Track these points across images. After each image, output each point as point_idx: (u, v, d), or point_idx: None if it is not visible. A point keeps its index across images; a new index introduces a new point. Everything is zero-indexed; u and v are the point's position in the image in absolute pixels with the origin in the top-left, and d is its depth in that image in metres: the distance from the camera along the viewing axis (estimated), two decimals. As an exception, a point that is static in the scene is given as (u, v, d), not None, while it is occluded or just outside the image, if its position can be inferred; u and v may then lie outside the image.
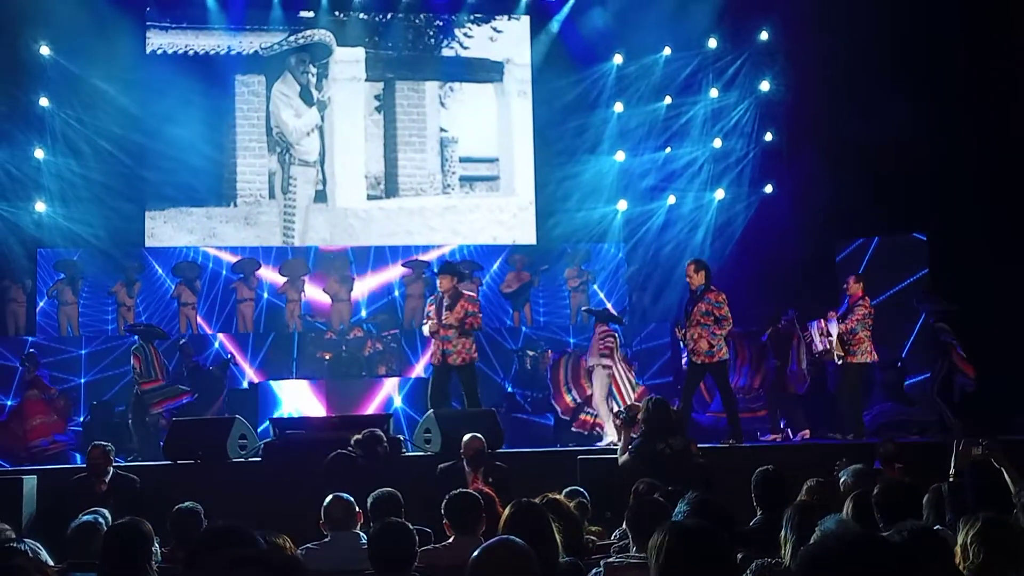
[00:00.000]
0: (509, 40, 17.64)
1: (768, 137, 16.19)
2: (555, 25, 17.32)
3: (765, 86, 16.18)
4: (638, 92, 16.98)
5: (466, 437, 8.42)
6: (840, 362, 11.21)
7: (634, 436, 8.17)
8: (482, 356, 14.47)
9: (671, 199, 16.55)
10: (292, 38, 16.96)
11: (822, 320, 11.38)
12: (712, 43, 16.54)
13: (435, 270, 12.19)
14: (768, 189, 16.10)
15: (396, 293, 16.02)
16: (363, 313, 15.65)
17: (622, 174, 17.05)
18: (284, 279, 15.46)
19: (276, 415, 12.12)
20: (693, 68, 16.77)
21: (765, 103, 16.31)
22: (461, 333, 10.62)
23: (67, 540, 5.15)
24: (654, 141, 16.90)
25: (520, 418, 13.41)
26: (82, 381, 13.64)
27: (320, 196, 16.91)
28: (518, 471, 8.67)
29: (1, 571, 3.40)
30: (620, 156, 16.78)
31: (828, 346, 11.22)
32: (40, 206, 15.15)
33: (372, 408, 12.79)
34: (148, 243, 16.63)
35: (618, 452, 8.37)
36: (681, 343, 10.88)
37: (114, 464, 8.48)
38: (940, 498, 4.82)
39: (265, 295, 15.76)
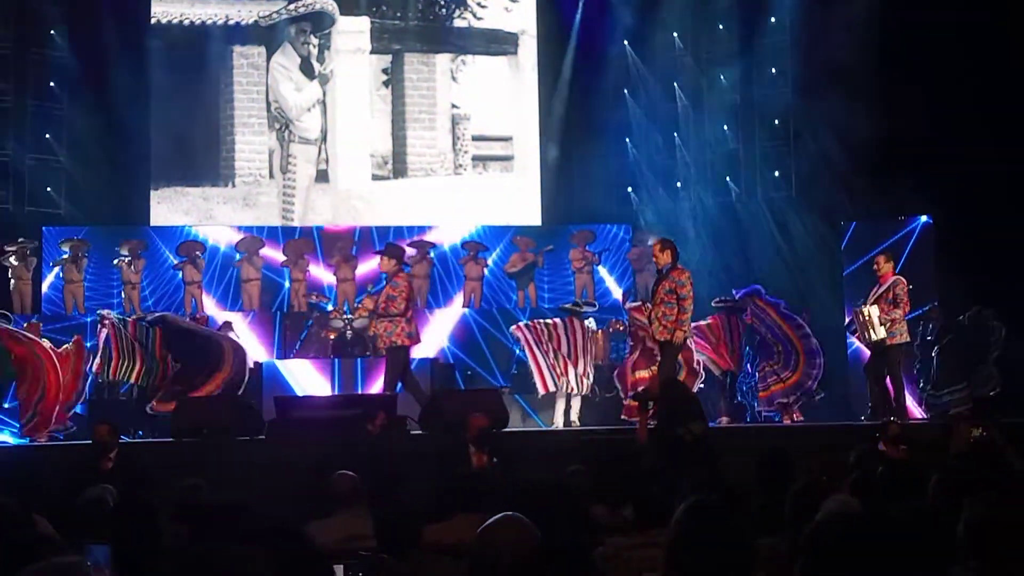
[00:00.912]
0: (525, 10, 17.41)
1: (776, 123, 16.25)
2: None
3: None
4: (649, 78, 17.05)
5: (471, 416, 8.43)
6: (878, 344, 11.16)
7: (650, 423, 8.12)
8: (480, 344, 14.59)
9: (678, 184, 16.66)
10: (292, 6, 16.68)
11: (864, 308, 11.26)
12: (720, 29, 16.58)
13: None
14: (776, 173, 16.16)
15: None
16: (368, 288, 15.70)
17: (632, 157, 17.14)
18: (286, 259, 15.46)
19: (281, 394, 12.13)
20: (700, 57, 16.83)
21: (767, 91, 16.36)
22: (382, 317, 10.59)
23: (76, 515, 5.17)
24: (663, 126, 16.98)
25: (523, 398, 13.42)
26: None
27: (322, 176, 16.80)
28: (523, 450, 8.69)
29: (26, 541, 3.42)
30: (630, 139, 16.84)
31: (873, 334, 11.12)
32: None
33: (377, 388, 12.79)
34: (152, 222, 16.69)
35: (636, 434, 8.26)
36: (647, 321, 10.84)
37: (120, 441, 8.51)
38: (947, 478, 4.82)
39: (270, 275, 15.78)
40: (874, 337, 11.09)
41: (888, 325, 11.01)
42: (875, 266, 11.50)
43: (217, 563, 1.96)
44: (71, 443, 10.68)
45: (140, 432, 11.34)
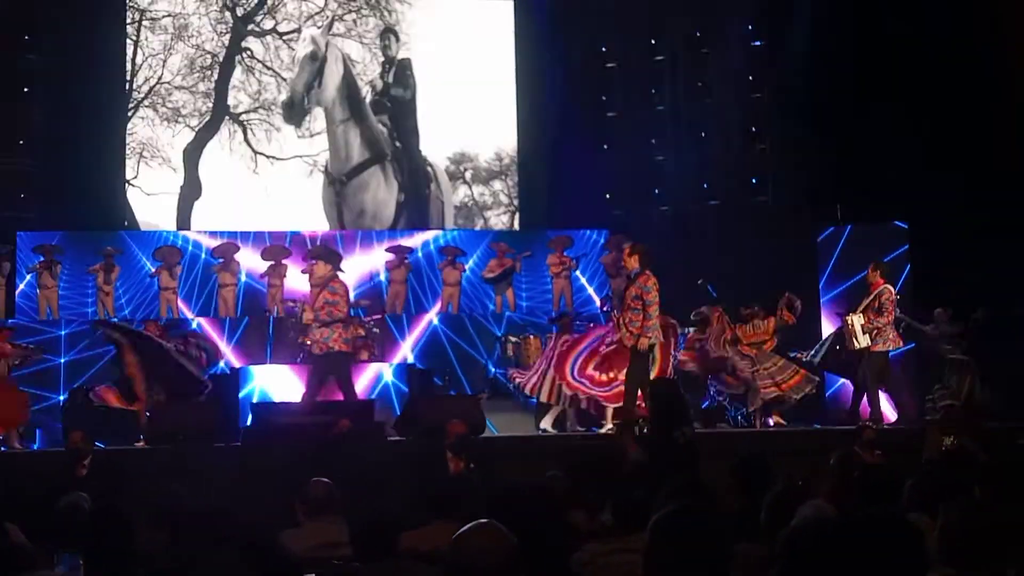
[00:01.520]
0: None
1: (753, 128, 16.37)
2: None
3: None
4: (627, 84, 17.16)
5: (448, 422, 8.42)
6: (862, 352, 11.27)
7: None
8: (468, 340, 14.53)
9: (656, 190, 16.77)
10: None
11: (849, 316, 11.36)
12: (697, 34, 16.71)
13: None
14: (754, 180, 16.28)
15: (381, 278, 16.00)
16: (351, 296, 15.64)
17: (610, 162, 17.25)
18: (267, 263, 15.40)
19: (256, 400, 12.07)
20: (683, 60, 16.94)
21: (745, 97, 16.49)
22: (322, 323, 10.20)
23: (52, 522, 5.13)
24: (641, 132, 17.10)
25: (503, 403, 13.39)
26: (61, 361, 13.53)
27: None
28: (501, 456, 8.69)
29: (3, 547, 3.38)
30: (606, 145, 16.93)
31: (856, 342, 11.22)
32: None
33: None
34: (127, 227, 16.64)
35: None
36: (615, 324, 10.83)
37: (94, 448, 8.45)
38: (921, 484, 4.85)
39: (244, 279, 15.71)
40: (857, 345, 11.25)
41: (873, 333, 11.13)
42: (867, 275, 11.65)
43: (192, 569, 1.94)
44: (45, 450, 10.59)
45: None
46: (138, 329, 12.07)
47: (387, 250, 15.94)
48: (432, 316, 15.07)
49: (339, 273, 10.45)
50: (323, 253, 10.83)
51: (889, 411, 12.09)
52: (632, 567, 3.95)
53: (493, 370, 14.01)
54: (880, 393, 11.53)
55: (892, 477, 4.80)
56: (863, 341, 11.18)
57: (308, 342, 10.51)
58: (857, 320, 11.21)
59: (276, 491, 6.78)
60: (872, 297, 11.32)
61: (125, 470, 8.22)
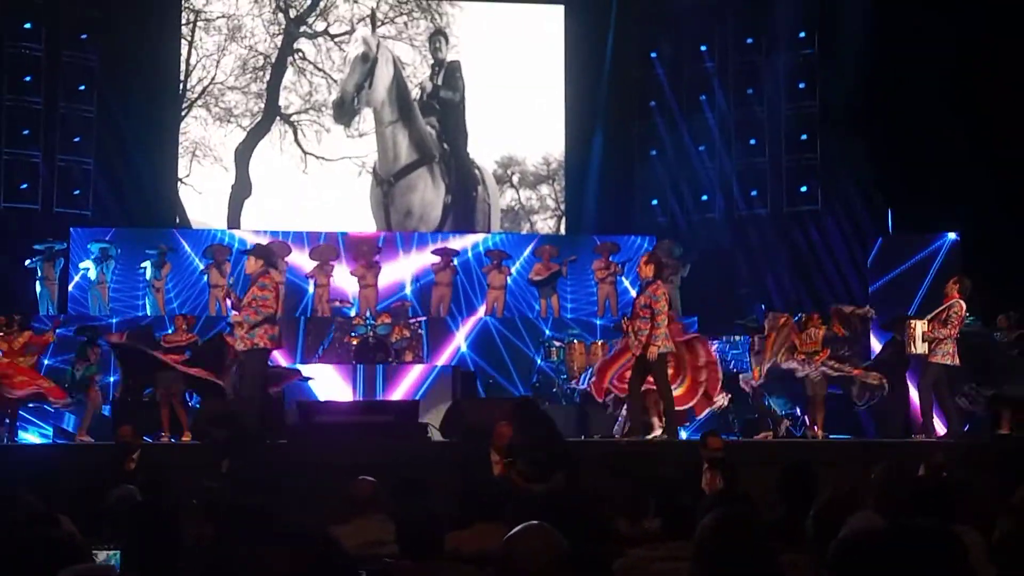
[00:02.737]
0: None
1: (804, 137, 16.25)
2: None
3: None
4: (676, 90, 17.12)
5: (498, 425, 8.43)
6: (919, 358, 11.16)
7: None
8: (502, 352, 14.56)
9: (704, 196, 16.72)
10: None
11: (913, 321, 11.26)
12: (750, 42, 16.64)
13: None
14: (803, 188, 16.16)
15: (428, 279, 16.09)
16: (407, 290, 15.77)
17: (658, 168, 17.22)
18: (314, 264, 15.52)
19: (303, 399, 12.16)
20: (732, 67, 16.87)
21: (794, 105, 16.38)
22: (253, 323, 9.75)
23: (103, 514, 5.20)
24: (689, 139, 17.04)
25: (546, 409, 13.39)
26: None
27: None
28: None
29: (51, 539, 3.43)
30: (655, 151, 16.94)
31: (914, 347, 11.11)
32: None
33: (398, 395, 12.82)
34: (179, 224, 16.88)
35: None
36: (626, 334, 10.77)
37: (142, 442, 8.56)
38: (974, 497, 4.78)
39: (291, 278, 15.86)
40: (914, 350, 11.11)
41: (932, 343, 10.98)
42: (946, 286, 11.51)
43: (241, 564, 1.96)
44: (95, 444, 10.74)
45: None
46: (141, 348, 11.95)
47: (433, 252, 16.01)
48: (467, 334, 15.04)
49: (271, 270, 10.25)
50: (257, 249, 10.60)
51: (939, 424, 11.93)
52: (676, 574, 3.94)
53: (539, 362, 13.99)
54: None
55: (943, 488, 4.73)
56: (920, 348, 11.03)
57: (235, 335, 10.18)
58: (920, 326, 11.07)
59: (322, 489, 6.84)
60: (942, 308, 11.16)
61: (172, 465, 8.32)
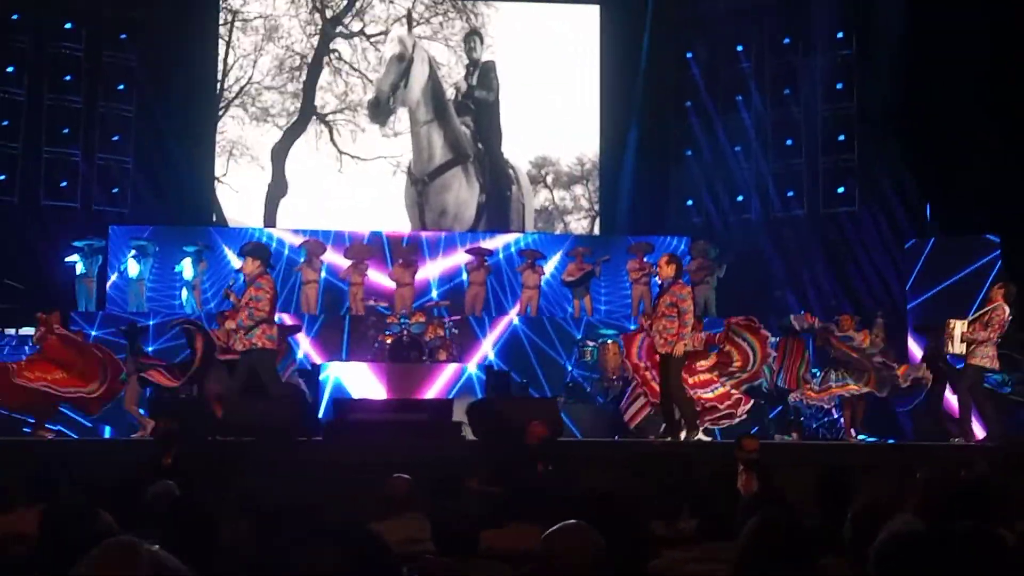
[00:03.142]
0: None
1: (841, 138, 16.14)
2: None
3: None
4: (712, 91, 17.06)
5: (529, 424, 8.43)
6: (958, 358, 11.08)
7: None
8: (548, 342, 14.53)
9: (739, 197, 16.64)
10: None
11: (953, 321, 11.15)
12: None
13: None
14: (840, 189, 16.05)
15: (461, 278, 16.13)
16: (434, 294, 15.80)
17: (693, 169, 17.16)
18: (349, 262, 15.59)
19: (337, 396, 12.23)
20: (769, 67, 16.78)
21: (832, 106, 16.28)
22: (248, 326, 9.77)
23: (141, 509, 5.25)
24: (724, 139, 16.97)
25: (579, 407, 13.39)
26: (150, 350, 13.79)
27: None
28: (578, 460, 8.67)
29: (95, 531, 3.48)
30: (690, 151, 16.88)
31: (951, 346, 11.02)
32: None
33: (432, 393, 12.86)
34: (216, 223, 17.02)
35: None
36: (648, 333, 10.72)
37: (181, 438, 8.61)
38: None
39: (326, 276, 15.94)
40: (951, 350, 11.02)
41: (971, 345, 10.87)
42: (990, 290, 11.40)
43: (283, 562, 1.97)
44: (131, 439, 10.85)
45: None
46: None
47: (467, 251, 16.04)
48: (512, 317, 15.11)
49: (269, 270, 10.23)
50: (252, 249, 10.48)
51: (977, 428, 11.81)
52: (714, 576, 3.93)
53: (572, 370, 13.99)
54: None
55: (984, 491, 4.68)
56: (957, 348, 10.93)
57: (230, 335, 10.12)
58: (959, 326, 10.96)
59: (357, 486, 6.86)
60: (985, 311, 11.05)
61: (209, 462, 8.38)
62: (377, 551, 1.83)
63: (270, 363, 9.98)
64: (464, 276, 16.14)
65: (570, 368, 14.05)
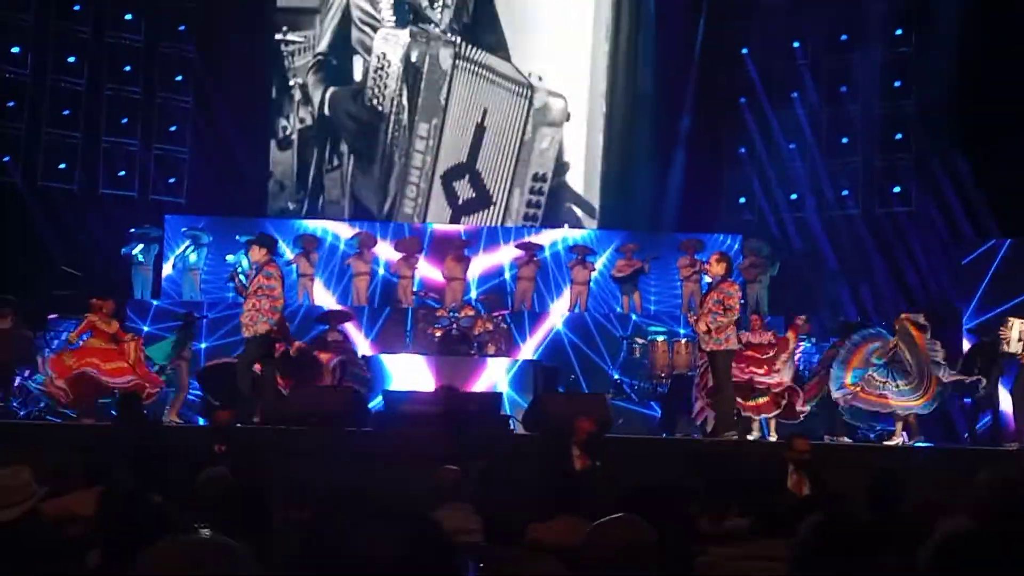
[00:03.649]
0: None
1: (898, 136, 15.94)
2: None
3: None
4: (767, 87, 16.93)
5: (577, 419, 8.43)
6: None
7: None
8: (589, 342, 14.48)
9: (793, 195, 16.52)
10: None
11: (1012, 320, 10.97)
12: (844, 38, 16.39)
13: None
14: (897, 188, 15.85)
15: (507, 275, 16.12)
16: (473, 293, 15.81)
17: (746, 166, 17.04)
18: (399, 255, 15.67)
19: (388, 388, 12.31)
20: (826, 64, 16.63)
21: (888, 104, 16.08)
22: (253, 306, 10.12)
23: (193, 495, 5.32)
24: (779, 137, 16.83)
25: (625, 407, 13.36)
26: (203, 346, 13.98)
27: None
28: (625, 456, 8.67)
29: (148, 511, 3.55)
30: (743, 148, 16.76)
31: (1006, 345, 10.83)
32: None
33: (480, 386, 12.89)
34: (269, 213, 17.21)
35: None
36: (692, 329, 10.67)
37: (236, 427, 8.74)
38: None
39: (380, 271, 16.05)
40: (1006, 348, 10.83)
41: None
42: None
43: (339, 546, 1.99)
44: (188, 426, 11.01)
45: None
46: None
47: (516, 246, 16.05)
48: (556, 320, 14.99)
49: (276, 258, 10.56)
50: (259, 237, 10.87)
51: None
52: (764, 573, 3.91)
53: (617, 377, 13.95)
54: None
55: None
56: (1014, 347, 10.73)
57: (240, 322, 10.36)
58: (1017, 325, 10.75)
59: (406, 476, 6.91)
60: None
61: (264, 448, 8.48)
62: (437, 537, 1.84)
63: (261, 349, 10.26)
64: (507, 274, 16.13)
65: (615, 376, 13.96)
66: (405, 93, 17.91)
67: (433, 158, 17.89)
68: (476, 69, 17.87)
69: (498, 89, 17.94)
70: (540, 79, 17.91)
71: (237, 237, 15.61)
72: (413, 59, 17.79)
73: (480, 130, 17.88)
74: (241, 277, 10.54)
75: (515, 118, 17.98)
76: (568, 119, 18.09)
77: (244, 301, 10.28)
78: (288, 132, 18.04)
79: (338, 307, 14.95)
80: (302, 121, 18.01)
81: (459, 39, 17.92)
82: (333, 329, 13.35)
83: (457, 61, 17.79)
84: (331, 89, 17.99)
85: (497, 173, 17.82)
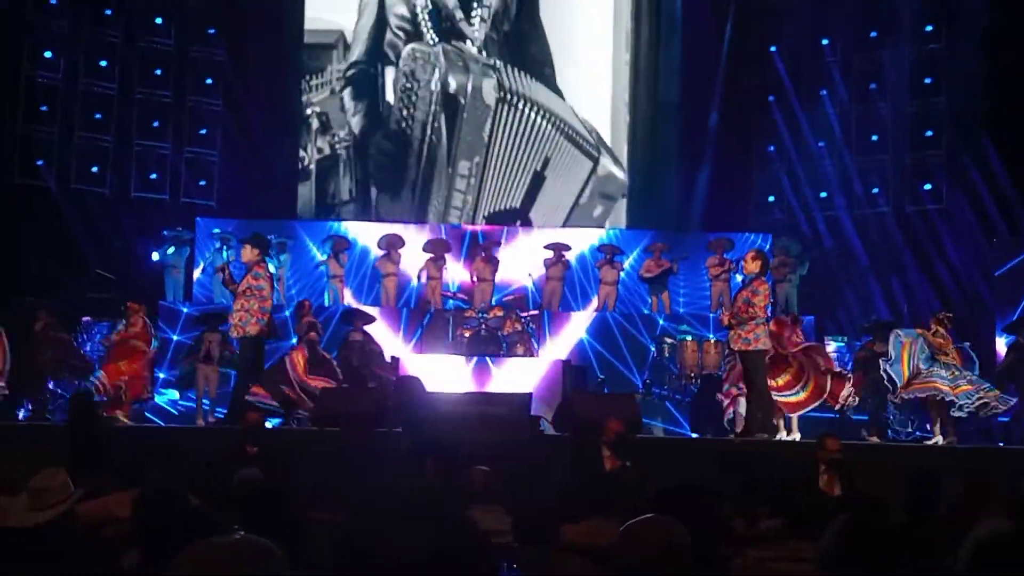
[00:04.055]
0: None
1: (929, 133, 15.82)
2: None
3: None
4: (796, 85, 16.84)
5: (607, 419, 8.42)
6: None
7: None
8: (612, 348, 14.44)
9: (823, 194, 16.43)
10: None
11: None
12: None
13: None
14: (927, 186, 15.73)
15: (535, 276, 16.08)
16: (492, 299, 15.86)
17: (775, 164, 16.95)
18: (428, 256, 15.69)
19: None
20: (855, 61, 16.53)
21: (918, 101, 15.95)
22: (242, 306, 10.20)
23: (228, 496, 5.36)
24: (808, 135, 16.75)
25: (655, 404, 13.34)
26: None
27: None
28: (655, 458, 8.64)
29: (185, 512, 3.57)
30: (772, 147, 16.68)
31: None
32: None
33: (508, 388, 12.88)
34: (299, 215, 17.31)
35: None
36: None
37: (266, 428, 8.80)
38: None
39: (414, 277, 16.09)
40: None
41: None
42: None
43: (373, 547, 2.00)
44: (215, 428, 11.08)
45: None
46: None
47: (546, 247, 16.03)
48: (581, 327, 14.95)
49: (268, 259, 10.63)
50: (252, 237, 10.86)
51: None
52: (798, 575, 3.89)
53: (641, 388, 13.91)
54: None
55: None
56: None
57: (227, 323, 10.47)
58: None
59: (436, 477, 6.92)
60: None
61: (292, 451, 8.53)
62: (472, 537, 1.85)
63: (254, 352, 10.39)
64: (531, 280, 16.10)
65: (642, 387, 13.91)
66: (443, 123, 17.86)
67: (475, 199, 17.88)
68: (527, 110, 17.83)
69: (562, 140, 17.93)
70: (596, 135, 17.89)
71: (271, 238, 15.71)
72: (452, 88, 17.74)
73: (539, 179, 17.83)
74: (231, 272, 10.60)
75: (577, 176, 17.97)
76: (624, 196, 18.02)
77: (234, 300, 10.34)
78: (306, 163, 18.11)
79: (362, 307, 14.99)
80: (320, 151, 18.08)
81: (500, 64, 17.84)
82: (357, 329, 13.35)
83: (504, 94, 17.75)
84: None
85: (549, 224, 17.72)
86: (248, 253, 10.45)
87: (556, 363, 13.37)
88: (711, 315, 15.02)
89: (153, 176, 16.69)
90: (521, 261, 16.28)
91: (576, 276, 16.30)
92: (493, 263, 15.50)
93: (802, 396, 10.78)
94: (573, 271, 16.18)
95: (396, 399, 10.16)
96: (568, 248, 16.04)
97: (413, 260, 15.88)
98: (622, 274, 15.86)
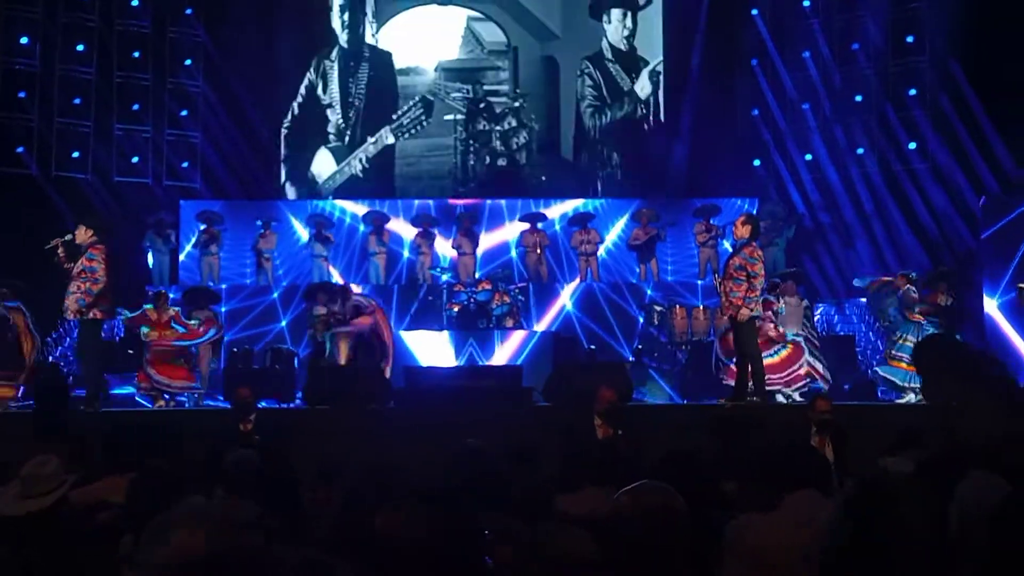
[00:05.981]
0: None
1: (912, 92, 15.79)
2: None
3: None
4: (779, 47, 16.76)
5: (598, 389, 8.44)
6: None
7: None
8: (600, 319, 14.43)
9: (808, 156, 16.39)
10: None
11: None
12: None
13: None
14: (912, 145, 15.71)
15: (514, 253, 16.09)
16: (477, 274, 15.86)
17: (760, 128, 16.91)
18: (416, 231, 15.67)
19: (407, 364, 12.34)
20: (832, 26, 16.46)
21: (903, 60, 15.91)
22: (77, 288, 9.98)
23: (220, 476, 5.35)
24: (792, 97, 16.70)
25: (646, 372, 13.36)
26: (226, 339, 13.98)
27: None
28: (646, 424, 8.67)
29: (179, 498, 3.57)
30: (756, 110, 16.62)
31: None
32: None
33: (499, 360, 12.92)
34: (283, 195, 17.22)
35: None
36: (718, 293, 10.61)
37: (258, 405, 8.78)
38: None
39: (404, 251, 16.07)
40: None
41: None
42: None
43: (368, 526, 2.01)
44: (209, 407, 11.08)
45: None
46: None
47: (521, 219, 16.01)
48: (565, 300, 14.93)
49: (101, 242, 10.15)
50: (88, 219, 10.59)
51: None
52: (794, 539, 3.91)
53: (635, 348, 13.93)
54: None
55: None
56: None
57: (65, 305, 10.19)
58: None
59: (428, 452, 6.93)
60: None
61: (286, 428, 8.53)
62: (463, 512, 1.86)
63: (94, 333, 10.23)
64: (512, 252, 16.08)
65: (637, 348, 13.92)
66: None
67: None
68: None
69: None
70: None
71: (257, 222, 15.65)
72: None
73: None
74: (64, 251, 10.18)
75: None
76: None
77: (69, 283, 10.05)
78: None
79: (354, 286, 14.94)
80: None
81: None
82: (322, 304, 13.15)
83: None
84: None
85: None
86: (83, 234, 10.08)
87: (544, 334, 13.40)
88: (699, 283, 15.04)
89: (135, 160, 16.56)
90: (501, 234, 16.30)
91: (561, 247, 16.28)
92: (472, 237, 15.49)
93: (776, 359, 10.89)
94: (557, 241, 16.16)
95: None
96: (543, 218, 16.00)
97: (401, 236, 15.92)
98: (605, 246, 15.86)
